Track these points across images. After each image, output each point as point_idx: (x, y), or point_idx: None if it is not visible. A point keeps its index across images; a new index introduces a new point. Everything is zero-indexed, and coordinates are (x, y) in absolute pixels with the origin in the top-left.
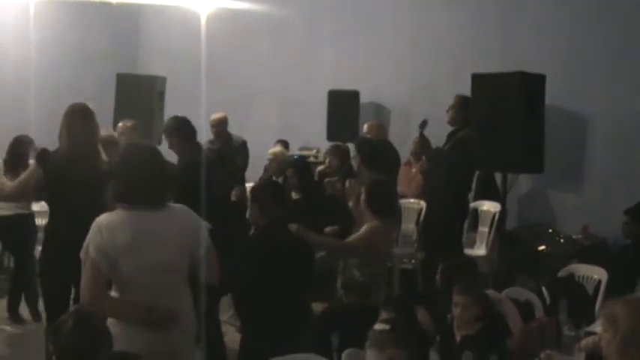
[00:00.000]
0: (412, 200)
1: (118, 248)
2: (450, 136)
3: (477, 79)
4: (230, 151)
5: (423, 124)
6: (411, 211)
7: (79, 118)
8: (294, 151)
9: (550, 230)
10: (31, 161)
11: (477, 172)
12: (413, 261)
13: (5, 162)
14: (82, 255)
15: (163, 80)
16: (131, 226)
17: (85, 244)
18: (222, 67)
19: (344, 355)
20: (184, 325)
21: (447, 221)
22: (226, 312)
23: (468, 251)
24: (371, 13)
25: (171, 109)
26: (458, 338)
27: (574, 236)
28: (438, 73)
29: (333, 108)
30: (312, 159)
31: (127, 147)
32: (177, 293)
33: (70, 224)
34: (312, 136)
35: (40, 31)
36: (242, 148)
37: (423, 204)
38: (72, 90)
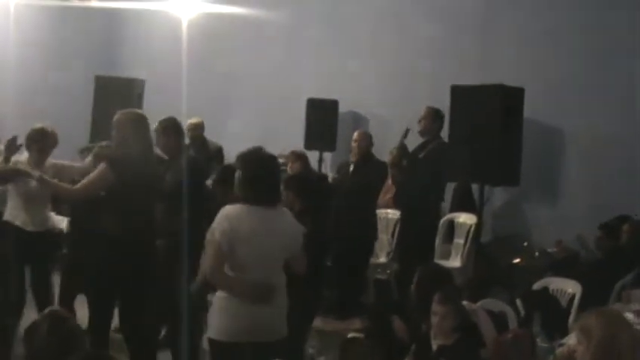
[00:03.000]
0: (388, 211)
1: (240, 236)
2: (421, 147)
3: (456, 91)
4: (205, 157)
5: (406, 133)
6: (387, 221)
7: (143, 124)
8: None
9: (525, 243)
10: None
11: (454, 184)
12: (388, 271)
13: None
14: (208, 235)
15: (142, 83)
16: (252, 219)
17: (211, 228)
18: (201, 72)
19: None
20: (280, 302)
21: (421, 231)
22: None
23: (443, 263)
24: (351, 22)
25: (150, 112)
26: (434, 348)
27: (548, 249)
28: (417, 84)
29: (311, 116)
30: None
31: (249, 152)
32: (276, 278)
33: (136, 227)
34: (289, 144)
35: (20, 33)
36: (217, 155)
37: (397, 215)
38: (51, 91)
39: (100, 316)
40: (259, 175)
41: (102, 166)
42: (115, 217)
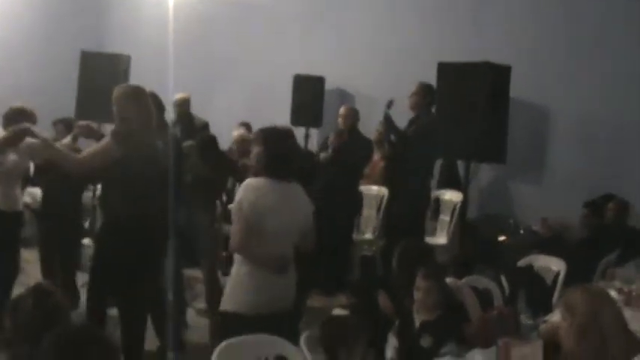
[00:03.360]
0: (373, 187)
1: (267, 208)
2: (412, 122)
3: (443, 68)
4: (192, 132)
5: (390, 104)
6: (372, 197)
7: (144, 99)
8: None
9: (511, 221)
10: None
11: (440, 161)
12: (373, 248)
13: None
14: (234, 207)
15: (128, 59)
16: (275, 192)
17: (237, 200)
18: (188, 48)
19: (302, 337)
20: (291, 275)
21: (410, 208)
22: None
23: (428, 239)
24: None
25: None
26: (417, 323)
27: (534, 227)
28: (403, 61)
29: (297, 93)
30: None
31: (268, 129)
32: (290, 251)
33: (141, 206)
34: (275, 121)
35: (4, 7)
36: (203, 130)
37: (384, 191)
38: (36, 67)
39: (95, 300)
40: (283, 151)
41: (106, 139)
42: (118, 195)
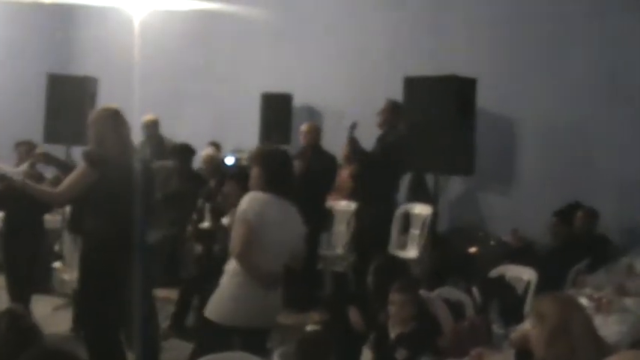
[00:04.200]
0: (343, 203)
1: (270, 220)
2: (380, 139)
3: (410, 82)
4: (161, 154)
5: (353, 127)
6: (343, 213)
7: (122, 122)
8: (227, 153)
9: (481, 233)
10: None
11: (409, 175)
12: (344, 263)
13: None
14: (239, 216)
15: (95, 81)
16: (278, 207)
17: (243, 210)
18: (154, 69)
19: (276, 354)
20: (279, 291)
21: (378, 223)
22: None
23: (399, 253)
24: (304, 15)
25: None
26: (392, 336)
27: (504, 238)
28: (371, 76)
29: (266, 110)
30: (244, 162)
31: (266, 150)
32: (281, 268)
33: (122, 228)
34: (244, 139)
35: None
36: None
37: (354, 206)
38: (3, 91)
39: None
40: (281, 171)
41: (81, 165)
42: (98, 217)
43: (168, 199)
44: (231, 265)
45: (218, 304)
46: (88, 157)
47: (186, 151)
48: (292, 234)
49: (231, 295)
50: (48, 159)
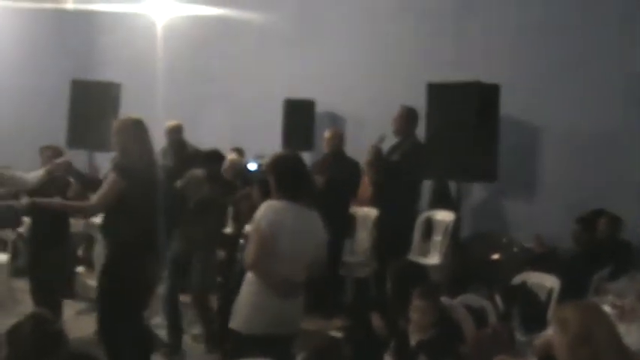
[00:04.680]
0: (365, 209)
1: (283, 228)
2: (395, 147)
3: (432, 89)
4: (184, 160)
5: (382, 139)
6: (364, 219)
7: (145, 131)
8: (249, 159)
9: (504, 239)
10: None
11: (431, 182)
12: (366, 269)
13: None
14: (254, 225)
15: (118, 87)
16: (293, 215)
17: (257, 219)
18: (178, 75)
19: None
20: (301, 299)
21: (400, 230)
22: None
23: (421, 260)
24: (326, 22)
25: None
26: (413, 343)
27: (526, 245)
28: (393, 82)
29: (288, 117)
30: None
31: (276, 156)
32: (302, 275)
33: (147, 236)
34: (266, 145)
35: None
36: (196, 157)
37: (375, 213)
38: (27, 97)
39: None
40: (294, 174)
41: (112, 176)
42: (123, 223)
43: (201, 206)
44: (249, 274)
45: (237, 313)
46: (117, 167)
47: (216, 158)
48: (311, 241)
49: (248, 303)
50: (69, 169)
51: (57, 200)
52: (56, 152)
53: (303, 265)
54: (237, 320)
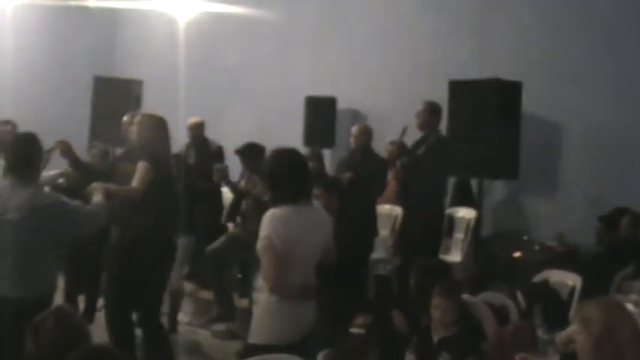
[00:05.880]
0: (387, 206)
1: (294, 237)
2: (420, 142)
3: (454, 86)
4: (206, 157)
5: (404, 131)
6: (386, 217)
7: (165, 127)
8: None
9: (525, 237)
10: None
11: (453, 179)
12: (388, 267)
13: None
14: (263, 241)
15: (140, 84)
16: (300, 219)
17: (263, 236)
18: (199, 72)
19: (320, 356)
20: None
21: (425, 227)
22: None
23: (442, 257)
24: (347, 19)
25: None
26: (435, 340)
27: (548, 243)
28: (414, 80)
29: (310, 114)
30: None
31: (277, 152)
32: (313, 275)
33: (160, 230)
34: (288, 142)
35: (18, 35)
36: (218, 154)
37: (398, 210)
38: (49, 93)
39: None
40: (302, 173)
41: (144, 164)
42: (150, 213)
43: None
44: (259, 282)
45: (261, 326)
46: (149, 158)
47: (256, 150)
48: (319, 237)
49: (271, 314)
50: (67, 151)
51: (115, 186)
52: (104, 153)
53: (315, 261)
54: (262, 333)
